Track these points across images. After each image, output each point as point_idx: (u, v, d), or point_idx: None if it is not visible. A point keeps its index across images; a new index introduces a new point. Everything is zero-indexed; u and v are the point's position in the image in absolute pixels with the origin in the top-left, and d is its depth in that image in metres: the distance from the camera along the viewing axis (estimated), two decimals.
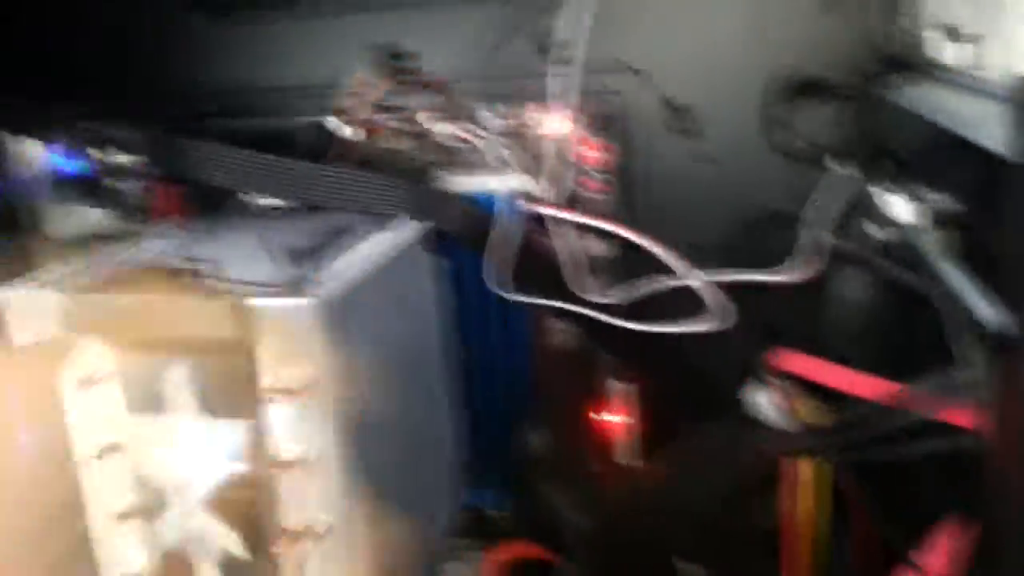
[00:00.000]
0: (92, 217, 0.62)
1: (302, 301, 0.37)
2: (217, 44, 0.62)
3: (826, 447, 0.40)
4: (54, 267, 0.43)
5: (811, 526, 0.42)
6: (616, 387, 0.55)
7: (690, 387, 0.53)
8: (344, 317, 0.39)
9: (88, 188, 0.60)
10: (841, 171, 0.48)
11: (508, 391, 0.56)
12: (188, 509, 0.40)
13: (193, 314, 0.38)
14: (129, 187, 0.60)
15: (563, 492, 0.48)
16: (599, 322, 0.53)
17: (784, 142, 0.50)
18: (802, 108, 0.50)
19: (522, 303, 0.52)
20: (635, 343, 0.53)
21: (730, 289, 0.49)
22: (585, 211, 0.52)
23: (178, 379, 0.39)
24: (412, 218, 0.50)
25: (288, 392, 0.38)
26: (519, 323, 0.55)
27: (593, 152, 0.53)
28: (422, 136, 0.55)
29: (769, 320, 0.48)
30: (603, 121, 0.53)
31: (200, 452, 0.40)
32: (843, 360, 0.43)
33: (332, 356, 0.38)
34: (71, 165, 0.61)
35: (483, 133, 0.53)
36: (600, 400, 0.54)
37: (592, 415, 0.54)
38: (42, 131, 0.59)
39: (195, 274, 0.41)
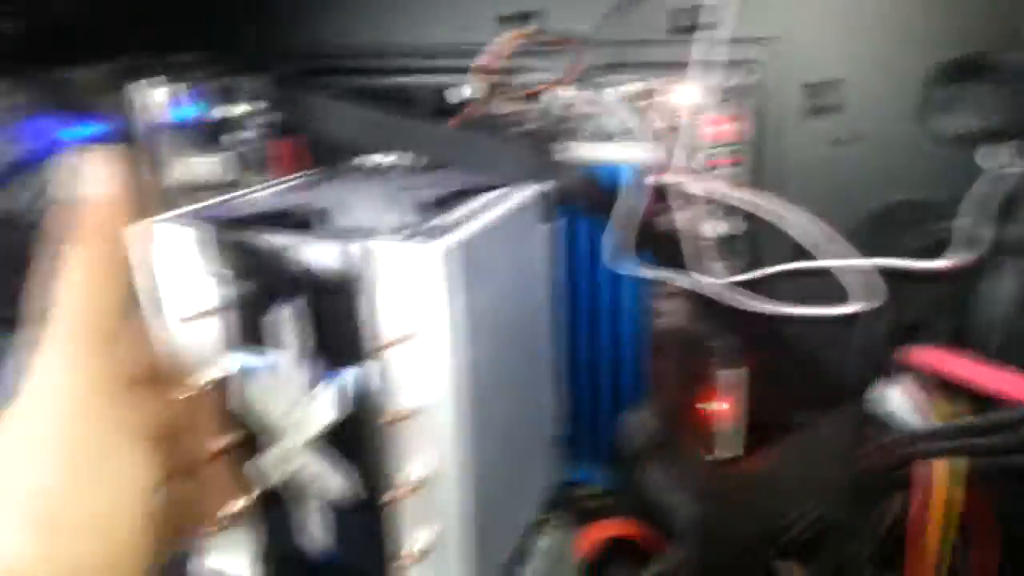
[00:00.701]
0: (211, 166, 0.63)
1: (422, 246, 0.36)
2: (336, 2, 0.62)
3: (968, 450, 0.36)
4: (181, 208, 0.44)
5: (939, 535, 0.39)
6: (728, 373, 0.52)
7: (810, 378, 0.50)
8: (462, 265, 0.38)
9: (208, 137, 0.62)
10: (1002, 158, 0.44)
11: (614, 368, 0.54)
12: (294, 449, 0.41)
13: (311, 255, 0.38)
14: (248, 138, 0.61)
15: (668, 476, 0.46)
16: (716, 303, 0.51)
17: (941, 127, 0.46)
18: (962, 89, 0.46)
19: (637, 277, 0.50)
20: (754, 328, 0.50)
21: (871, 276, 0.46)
22: (714, 185, 0.50)
23: (291, 319, 0.39)
24: (533, 182, 0.49)
25: (403, 338, 0.37)
26: (631, 298, 0.53)
27: (725, 126, 0.50)
28: (548, 102, 0.54)
29: (910, 313, 0.45)
30: (737, 93, 0.50)
31: (308, 393, 0.39)
32: (991, 359, 0.40)
33: (448, 304, 0.37)
34: (193, 114, 0.63)
35: (610, 101, 0.52)
36: (710, 385, 0.52)
37: (700, 400, 0.52)
38: (167, 79, 0.61)
39: (315, 217, 0.41)
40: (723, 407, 0.52)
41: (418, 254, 0.36)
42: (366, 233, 0.38)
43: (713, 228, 0.50)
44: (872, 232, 0.49)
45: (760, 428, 0.51)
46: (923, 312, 0.45)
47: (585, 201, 0.50)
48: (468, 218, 0.41)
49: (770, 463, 0.48)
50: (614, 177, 0.50)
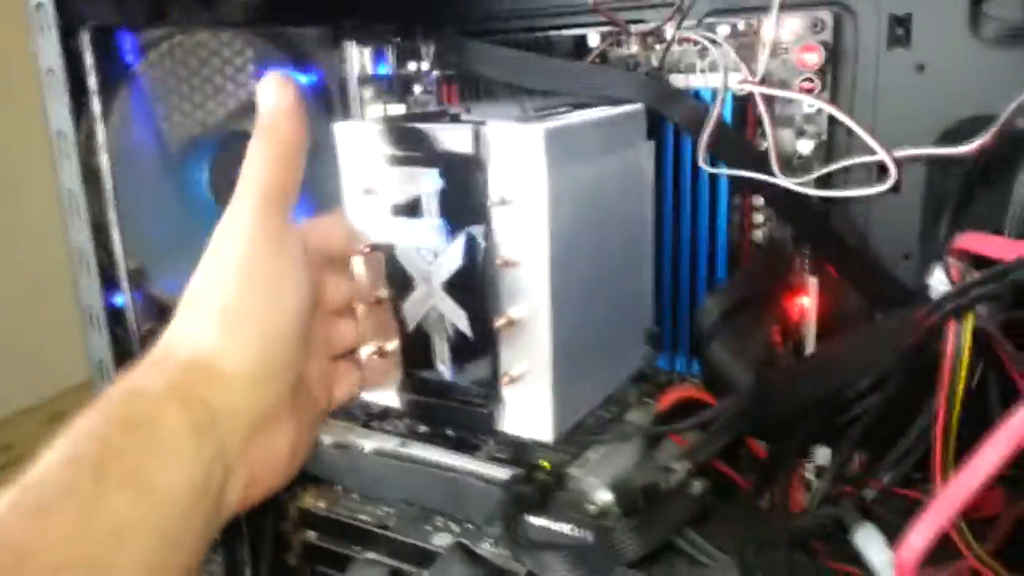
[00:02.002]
0: (398, 110, 0.79)
1: (526, 126, 0.48)
2: None
3: (973, 299, 0.41)
4: None
5: (964, 385, 0.43)
6: (804, 273, 0.60)
7: (875, 279, 0.56)
8: (562, 147, 0.49)
9: (397, 88, 0.78)
10: None
11: (703, 268, 0.63)
12: (430, 292, 0.53)
13: (447, 137, 0.50)
14: (425, 88, 0.76)
15: (734, 357, 0.54)
16: (796, 209, 0.58)
17: (994, 28, 0.51)
18: None
19: (727, 181, 0.59)
20: (827, 231, 0.57)
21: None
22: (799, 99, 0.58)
23: (433, 188, 0.52)
24: (644, 103, 0.59)
25: (510, 202, 0.49)
26: (721, 203, 0.62)
27: (809, 54, 0.57)
28: (658, 41, 0.63)
29: (953, 200, 0.50)
30: (820, 24, 0.57)
31: (441, 248, 0.52)
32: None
33: (547, 177, 0.48)
34: (386, 70, 0.78)
35: (710, 36, 0.60)
36: (787, 284, 0.59)
37: (777, 297, 0.59)
38: (369, 42, 0.77)
39: (455, 116, 0.54)
40: (801, 302, 0.60)
41: (522, 133, 0.48)
42: (486, 119, 0.50)
43: (795, 141, 0.58)
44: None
45: (830, 326, 0.58)
46: (965, 199, 0.50)
47: (688, 120, 0.59)
48: (575, 116, 0.52)
49: (829, 347, 0.54)
50: (713, 100, 0.59)
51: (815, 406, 0.52)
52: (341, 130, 0.55)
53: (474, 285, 0.52)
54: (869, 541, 0.45)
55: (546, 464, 0.55)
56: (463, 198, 0.51)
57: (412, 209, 0.53)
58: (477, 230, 0.51)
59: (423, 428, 0.63)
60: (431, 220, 0.52)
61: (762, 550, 0.48)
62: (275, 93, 0.42)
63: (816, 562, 0.49)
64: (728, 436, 0.52)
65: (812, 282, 0.60)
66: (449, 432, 0.61)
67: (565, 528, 0.54)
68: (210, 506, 0.34)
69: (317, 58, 0.76)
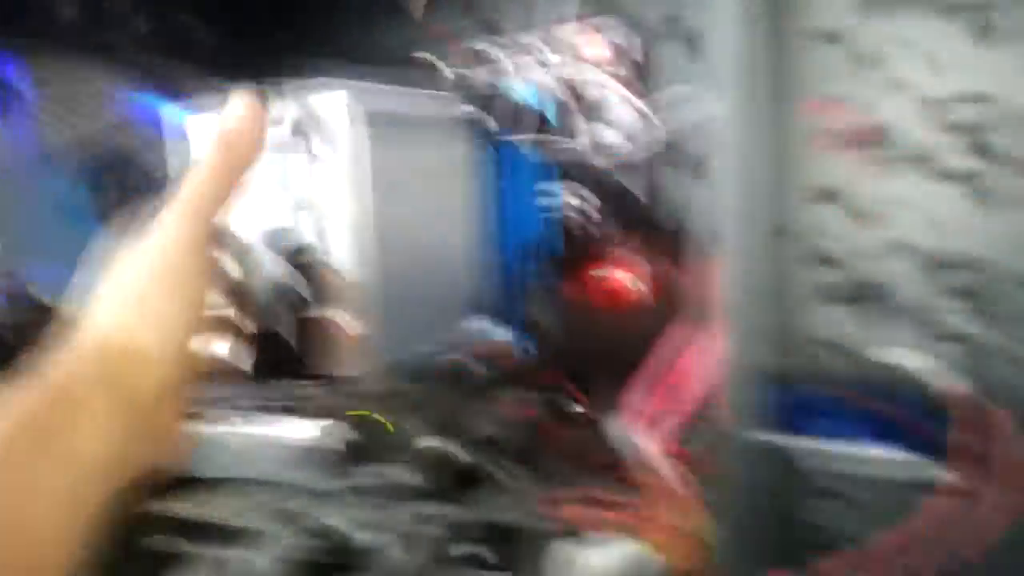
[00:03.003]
0: None
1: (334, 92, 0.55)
2: None
3: None
4: None
5: None
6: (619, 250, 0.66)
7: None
8: (375, 121, 0.56)
9: None
10: None
11: (529, 252, 0.69)
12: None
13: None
14: None
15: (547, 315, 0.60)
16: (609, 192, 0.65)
17: None
18: None
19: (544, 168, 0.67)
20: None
21: None
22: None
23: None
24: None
25: (326, 167, 0.55)
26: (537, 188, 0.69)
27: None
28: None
29: None
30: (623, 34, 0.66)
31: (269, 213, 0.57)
32: None
33: (359, 145, 0.55)
34: None
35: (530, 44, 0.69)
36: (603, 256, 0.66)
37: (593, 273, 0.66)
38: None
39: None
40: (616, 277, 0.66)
41: (337, 102, 0.55)
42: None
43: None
44: None
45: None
46: None
47: (509, 118, 0.67)
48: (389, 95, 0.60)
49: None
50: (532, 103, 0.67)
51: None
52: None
53: (297, 243, 0.57)
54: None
55: (364, 413, 0.59)
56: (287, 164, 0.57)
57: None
58: (300, 191, 0.57)
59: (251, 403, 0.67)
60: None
61: None
62: (242, 112, 0.45)
63: None
64: (528, 368, 0.56)
65: (629, 255, 0.66)
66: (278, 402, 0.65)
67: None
68: (121, 475, 0.38)
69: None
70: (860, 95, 0.38)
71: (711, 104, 0.40)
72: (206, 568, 0.66)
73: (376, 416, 0.58)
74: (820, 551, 0.40)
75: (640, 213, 0.64)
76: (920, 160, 0.37)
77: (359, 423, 0.57)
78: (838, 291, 0.40)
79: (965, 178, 0.36)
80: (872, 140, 0.38)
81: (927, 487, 0.37)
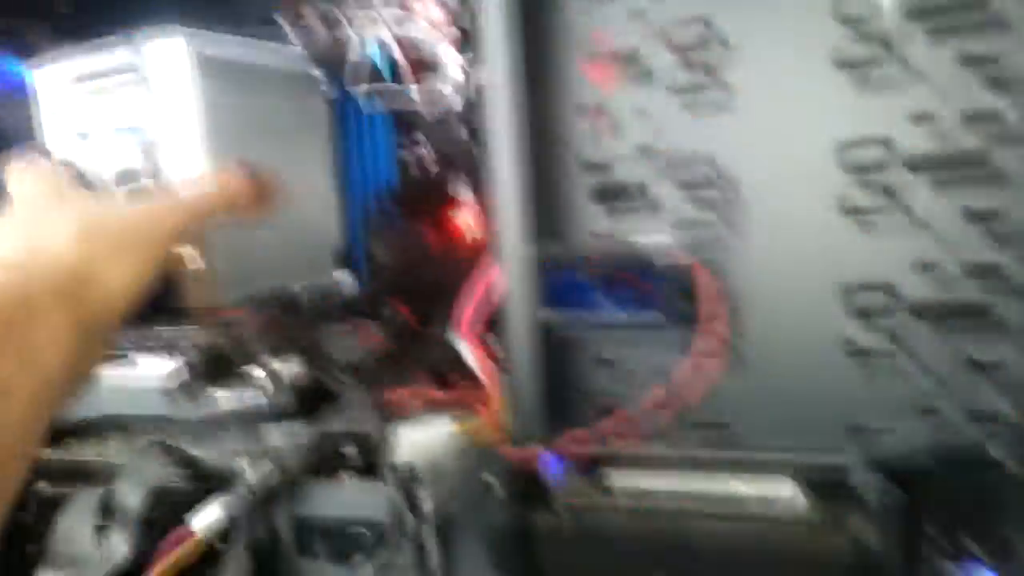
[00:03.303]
0: None
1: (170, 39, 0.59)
2: None
3: None
4: None
5: None
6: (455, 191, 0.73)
7: None
8: (210, 66, 0.61)
9: None
10: None
11: (376, 196, 0.75)
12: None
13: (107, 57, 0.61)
14: None
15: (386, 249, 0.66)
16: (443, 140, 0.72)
17: None
18: None
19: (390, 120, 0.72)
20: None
21: None
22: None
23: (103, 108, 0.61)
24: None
25: (167, 111, 0.59)
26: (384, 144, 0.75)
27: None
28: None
29: None
30: None
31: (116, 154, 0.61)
32: None
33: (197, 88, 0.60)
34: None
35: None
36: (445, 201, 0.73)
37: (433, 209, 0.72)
38: None
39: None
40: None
41: (172, 48, 0.59)
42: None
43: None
44: None
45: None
46: None
47: (348, 74, 0.72)
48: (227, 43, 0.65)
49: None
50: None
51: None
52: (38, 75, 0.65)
53: (136, 173, 0.61)
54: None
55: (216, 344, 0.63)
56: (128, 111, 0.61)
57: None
58: (144, 132, 0.61)
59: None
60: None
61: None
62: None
63: None
64: (368, 295, 0.62)
65: (463, 196, 0.73)
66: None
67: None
68: (67, 395, 0.42)
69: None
70: (613, 22, 0.45)
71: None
72: (86, 507, 0.69)
73: (229, 345, 0.63)
74: (601, 412, 0.48)
75: (470, 158, 0.71)
76: (657, 77, 0.45)
77: (212, 353, 0.61)
78: (602, 190, 0.47)
79: (689, 91, 0.44)
80: (624, 62, 0.46)
81: (680, 348, 0.45)
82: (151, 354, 0.69)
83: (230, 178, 0.52)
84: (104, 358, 0.46)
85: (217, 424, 0.67)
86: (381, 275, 0.63)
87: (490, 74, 0.46)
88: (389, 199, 0.69)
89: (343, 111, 0.75)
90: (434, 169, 0.73)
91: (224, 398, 0.64)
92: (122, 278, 0.45)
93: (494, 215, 0.47)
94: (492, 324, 0.52)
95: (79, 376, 0.43)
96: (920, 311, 0.40)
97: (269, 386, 0.63)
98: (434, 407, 0.57)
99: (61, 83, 0.64)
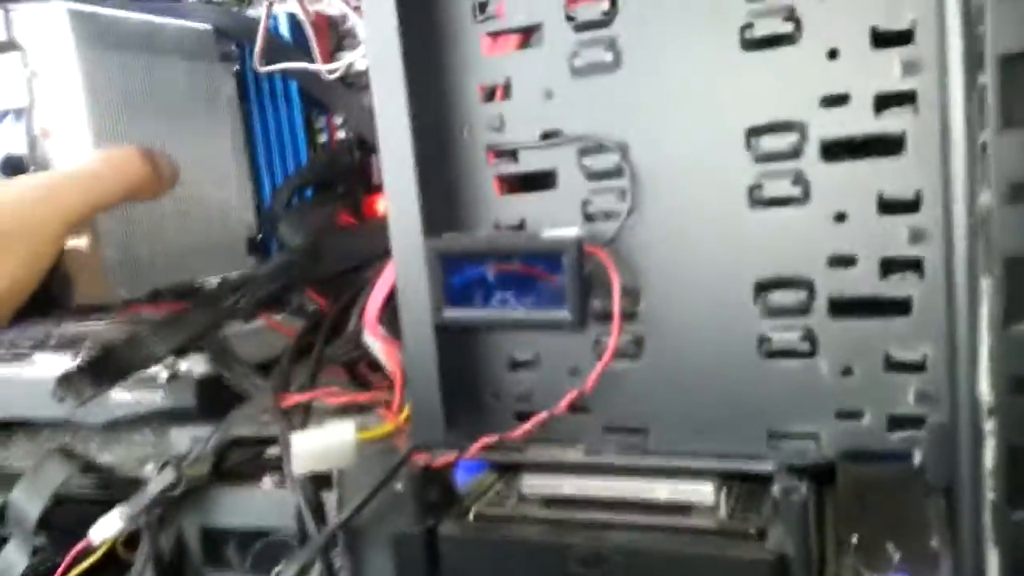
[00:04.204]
0: None
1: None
2: None
3: None
4: None
5: None
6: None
7: None
8: (94, 33, 0.56)
9: None
10: None
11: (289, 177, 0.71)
12: None
13: None
14: None
15: (295, 229, 0.62)
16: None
17: None
18: None
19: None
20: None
21: None
22: None
23: None
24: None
25: (43, 79, 0.54)
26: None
27: None
28: None
29: None
30: None
31: None
32: None
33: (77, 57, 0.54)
34: None
35: None
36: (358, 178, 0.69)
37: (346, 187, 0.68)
38: None
39: None
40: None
41: (48, 13, 0.54)
42: None
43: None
44: None
45: None
46: None
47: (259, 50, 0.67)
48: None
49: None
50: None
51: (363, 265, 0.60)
52: None
53: (23, 167, 0.56)
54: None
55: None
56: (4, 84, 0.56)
57: None
58: (22, 111, 0.56)
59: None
60: None
61: None
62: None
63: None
64: (275, 283, 0.58)
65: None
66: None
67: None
68: None
69: None
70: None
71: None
72: None
73: (129, 342, 0.58)
74: (513, 416, 0.45)
75: None
76: (565, 56, 0.41)
77: (108, 351, 0.57)
78: (513, 179, 0.44)
79: (597, 73, 0.41)
80: (529, 40, 0.43)
81: (593, 348, 0.43)
82: (52, 352, 0.65)
83: (125, 158, 0.48)
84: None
85: (123, 428, 0.63)
86: (293, 263, 0.59)
87: (377, 49, 0.42)
88: (300, 181, 0.65)
89: (252, 89, 0.71)
90: (350, 149, 0.69)
91: (124, 400, 0.60)
92: (4, 279, 0.43)
93: (388, 205, 0.43)
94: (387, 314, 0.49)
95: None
96: (837, 308, 0.38)
97: (171, 387, 0.59)
98: (344, 409, 0.53)
99: None
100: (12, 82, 0.56)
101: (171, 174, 0.50)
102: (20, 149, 0.57)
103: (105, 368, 0.52)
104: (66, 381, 0.52)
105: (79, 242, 0.56)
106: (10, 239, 0.44)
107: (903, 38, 0.35)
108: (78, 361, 0.53)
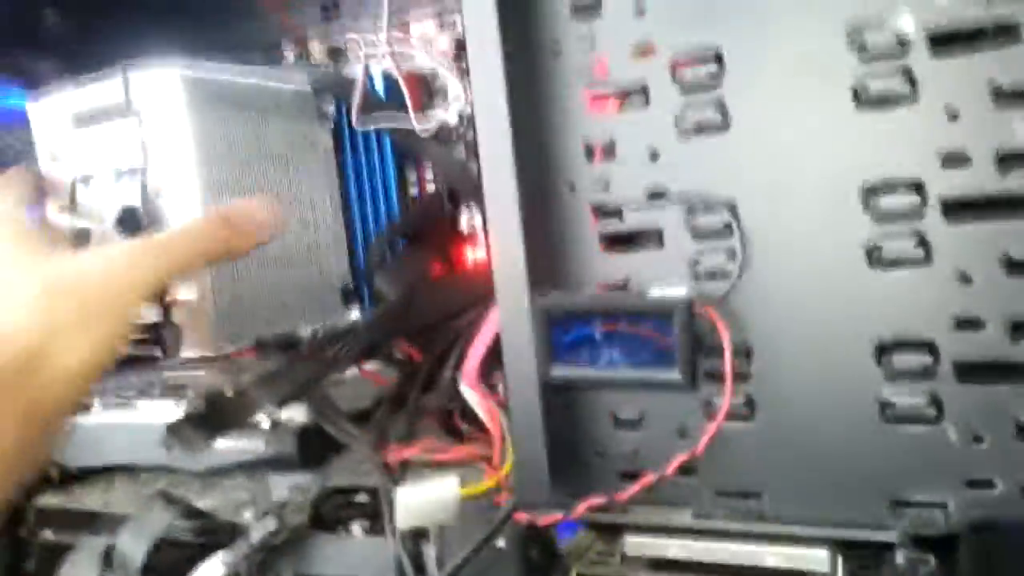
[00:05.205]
0: None
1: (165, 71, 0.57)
2: None
3: None
4: None
5: None
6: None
7: None
8: (206, 97, 0.58)
9: None
10: None
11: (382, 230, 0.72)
12: (103, 235, 0.60)
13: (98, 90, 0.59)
14: None
15: (391, 283, 0.63)
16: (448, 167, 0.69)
17: None
18: None
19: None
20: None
21: None
22: None
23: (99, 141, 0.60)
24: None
25: (159, 144, 0.57)
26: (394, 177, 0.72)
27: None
28: None
29: None
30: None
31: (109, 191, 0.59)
32: None
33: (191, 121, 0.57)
34: None
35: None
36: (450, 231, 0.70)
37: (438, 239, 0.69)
38: None
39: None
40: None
41: (162, 78, 0.57)
42: None
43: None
44: None
45: None
46: None
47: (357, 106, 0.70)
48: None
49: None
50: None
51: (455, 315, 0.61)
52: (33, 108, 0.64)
53: (139, 221, 0.59)
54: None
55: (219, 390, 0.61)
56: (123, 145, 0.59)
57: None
58: (137, 170, 0.58)
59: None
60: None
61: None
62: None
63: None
64: (374, 334, 0.59)
65: (474, 229, 0.70)
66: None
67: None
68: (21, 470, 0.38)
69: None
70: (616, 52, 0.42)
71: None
72: (87, 557, 0.67)
73: (231, 391, 0.60)
74: (619, 476, 0.44)
75: (480, 189, 0.68)
76: (667, 114, 0.41)
77: (213, 400, 0.59)
78: (618, 237, 0.44)
79: (703, 131, 0.41)
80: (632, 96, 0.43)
81: (703, 409, 0.42)
82: (154, 399, 0.67)
83: (197, 226, 0.48)
84: (57, 442, 0.40)
85: (222, 474, 0.65)
86: (388, 315, 0.60)
87: (484, 109, 0.43)
88: (394, 233, 0.66)
89: (347, 142, 0.73)
90: (441, 201, 0.71)
91: (226, 447, 0.62)
92: (84, 352, 0.38)
93: (494, 263, 0.44)
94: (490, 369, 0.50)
95: (24, 465, 0.37)
96: (964, 372, 0.36)
97: (273, 435, 0.60)
98: (443, 462, 0.54)
99: (57, 119, 0.63)
100: (128, 143, 0.60)
101: (262, 226, 0.48)
102: (135, 203, 0.60)
103: (213, 418, 0.54)
104: (176, 430, 0.54)
105: (189, 294, 0.59)
106: (90, 317, 0.39)
107: None
108: (187, 410, 0.55)
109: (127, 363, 0.72)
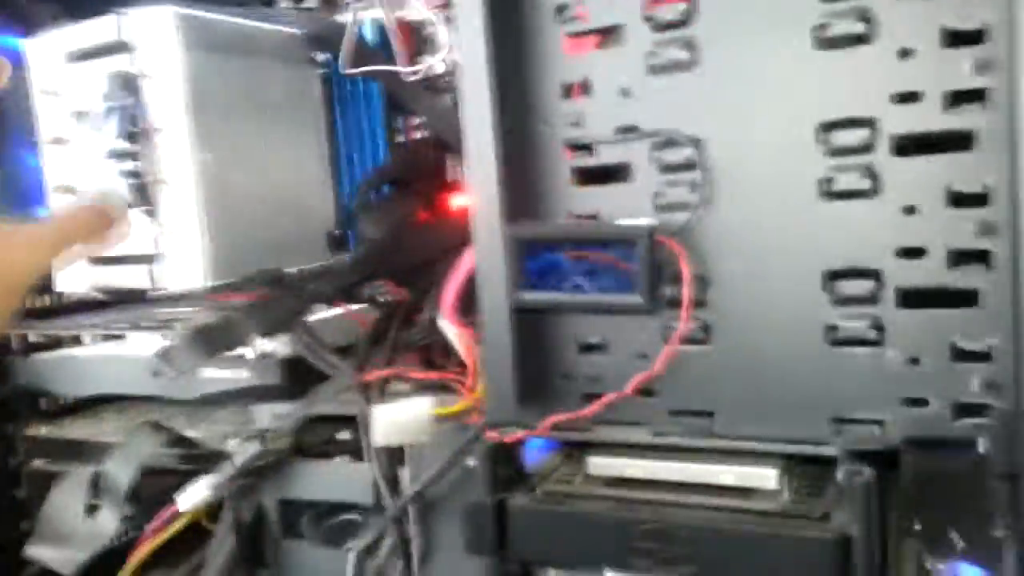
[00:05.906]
0: None
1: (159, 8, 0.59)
2: None
3: None
4: None
5: None
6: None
7: None
8: (197, 35, 0.60)
9: None
10: None
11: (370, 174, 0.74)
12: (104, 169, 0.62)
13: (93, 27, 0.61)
14: None
15: (375, 223, 0.65)
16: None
17: None
18: None
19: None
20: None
21: None
22: None
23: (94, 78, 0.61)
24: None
25: (152, 78, 0.59)
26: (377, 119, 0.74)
27: None
28: None
29: None
30: None
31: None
32: None
33: (183, 56, 0.59)
34: None
35: None
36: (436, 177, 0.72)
37: (425, 185, 0.71)
38: None
39: None
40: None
41: (155, 15, 0.59)
42: None
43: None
44: None
45: None
46: None
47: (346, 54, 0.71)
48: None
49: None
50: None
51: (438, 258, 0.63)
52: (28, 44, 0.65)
53: (133, 152, 0.60)
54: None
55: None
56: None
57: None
58: (129, 103, 0.60)
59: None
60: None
61: None
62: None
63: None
64: (356, 273, 0.62)
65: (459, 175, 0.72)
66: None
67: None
68: None
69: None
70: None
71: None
72: (76, 484, 0.70)
73: (219, 324, 0.62)
74: (582, 397, 0.47)
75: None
76: (642, 56, 0.43)
77: (201, 331, 0.61)
78: (589, 172, 0.46)
79: (673, 71, 0.43)
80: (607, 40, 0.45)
81: (662, 333, 0.44)
82: (144, 332, 0.70)
83: (74, 213, 0.51)
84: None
85: (208, 403, 0.67)
86: (371, 255, 0.62)
87: (466, 48, 0.45)
88: (381, 179, 0.68)
89: (336, 91, 0.74)
90: (428, 148, 0.72)
91: (213, 377, 0.64)
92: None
93: (471, 194, 0.46)
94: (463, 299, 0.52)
95: None
96: (906, 298, 0.39)
97: (258, 365, 0.63)
98: (418, 388, 0.56)
99: (52, 59, 0.64)
100: (120, 78, 0.61)
101: (117, 222, 0.52)
102: (126, 144, 0.62)
103: (201, 344, 0.56)
104: (165, 354, 0.56)
105: (181, 228, 0.60)
106: None
107: (974, 37, 0.37)
108: (176, 337, 0.57)
109: (118, 300, 0.75)
